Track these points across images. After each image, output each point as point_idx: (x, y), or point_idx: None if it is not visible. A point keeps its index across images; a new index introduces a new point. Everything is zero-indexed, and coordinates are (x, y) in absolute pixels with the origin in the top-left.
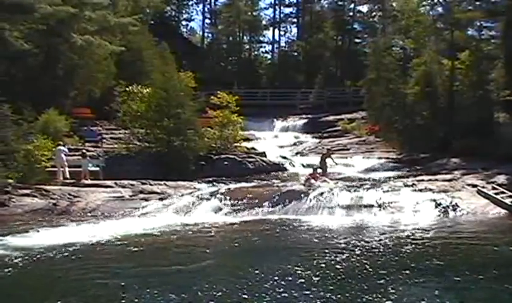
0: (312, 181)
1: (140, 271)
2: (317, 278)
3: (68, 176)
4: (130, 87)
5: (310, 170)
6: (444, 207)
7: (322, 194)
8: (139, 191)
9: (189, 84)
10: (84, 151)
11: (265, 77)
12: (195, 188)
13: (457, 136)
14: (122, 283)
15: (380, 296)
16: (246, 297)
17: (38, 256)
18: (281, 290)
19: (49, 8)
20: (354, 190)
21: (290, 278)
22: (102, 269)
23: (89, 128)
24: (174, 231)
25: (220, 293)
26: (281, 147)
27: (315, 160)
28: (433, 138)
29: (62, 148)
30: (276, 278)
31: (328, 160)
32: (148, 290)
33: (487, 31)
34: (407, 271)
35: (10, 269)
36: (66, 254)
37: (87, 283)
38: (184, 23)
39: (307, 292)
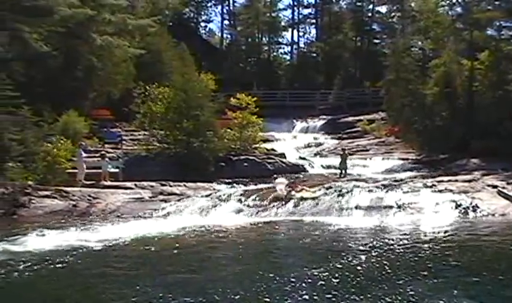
0: (291, 191)
1: (157, 274)
2: (337, 280)
3: (81, 178)
4: (149, 88)
5: (329, 171)
6: (464, 208)
7: (341, 195)
8: (159, 192)
9: (209, 85)
10: (103, 152)
11: (284, 78)
12: (214, 189)
13: (477, 136)
14: (138, 286)
15: (400, 297)
16: (266, 299)
17: (56, 258)
18: (302, 292)
19: (68, 10)
20: (374, 191)
21: (310, 280)
22: (120, 272)
23: (109, 129)
24: (193, 233)
25: (239, 296)
26: (300, 148)
27: (335, 160)
28: (453, 139)
29: (81, 149)
30: (296, 280)
31: (348, 161)
32: (165, 294)
33: (507, 31)
34: (427, 272)
35: (25, 270)
36: (82, 255)
37: (101, 286)
38: (203, 24)
39: (327, 294)
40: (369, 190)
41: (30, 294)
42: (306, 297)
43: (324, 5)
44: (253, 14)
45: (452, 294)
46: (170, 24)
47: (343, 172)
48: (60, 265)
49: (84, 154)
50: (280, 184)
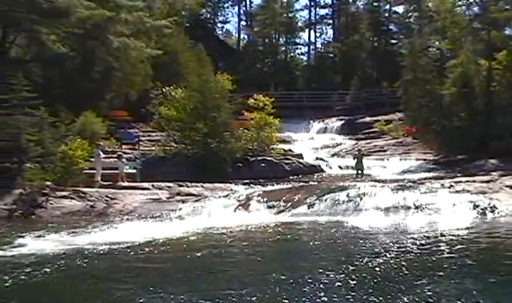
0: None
1: (173, 274)
2: (354, 281)
3: (99, 178)
4: (166, 89)
5: (347, 172)
6: (481, 209)
7: (358, 195)
8: (176, 193)
9: (226, 86)
10: (120, 153)
11: (301, 79)
12: (231, 190)
13: (495, 137)
14: (151, 288)
15: (417, 298)
16: (283, 300)
17: (73, 258)
18: (319, 293)
19: (86, 12)
20: (392, 192)
21: (327, 281)
22: (135, 274)
23: (126, 130)
24: (210, 233)
25: (256, 297)
26: (318, 149)
27: (352, 161)
28: (471, 139)
29: (99, 150)
30: (313, 281)
31: (364, 161)
32: (180, 294)
33: None
34: (444, 273)
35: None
36: (97, 257)
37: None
38: (219, 25)
39: (345, 296)
40: (387, 191)
41: (40, 297)
42: (324, 298)
43: (341, 5)
44: (270, 14)
45: (471, 295)
46: (187, 25)
47: (360, 172)
48: (74, 267)
49: (102, 155)
50: None
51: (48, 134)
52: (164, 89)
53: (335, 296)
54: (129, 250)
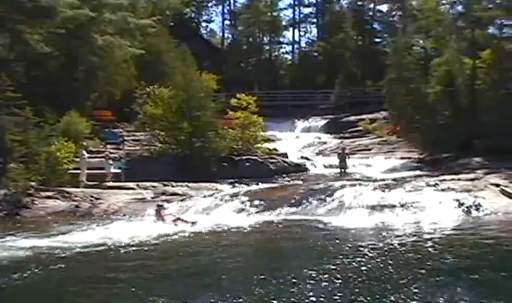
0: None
1: (154, 274)
2: (340, 281)
3: (84, 179)
4: (149, 89)
5: (331, 170)
6: (466, 207)
7: (344, 194)
8: (161, 193)
9: (210, 85)
10: (107, 153)
11: (285, 78)
12: (216, 189)
13: (479, 135)
14: (133, 288)
15: (403, 296)
16: (268, 300)
17: (55, 259)
18: (304, 292)
19: (69, 11)
20: (377, 191)
21: (312, 281)
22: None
23: (110, 130)
24: (194, 233)
25: (241, 298)
26: (302, 148)
27: (337, 160)
28: (455, 137)
29: (84, 150)
30: (298, 280)
31: (349, 160)
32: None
33: (508, 29)
34: (430, 271)
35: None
36: (81, 257)
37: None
38: (204, 24)
39: (330, 295)
40: (371, 190)
41: (19, 298)
42: (309, 297)
43: (325, 4)
44: (254, 13)
45: (456, 293)
46: (172, 24)
47: (343, 170)
48: (56, 267)
49: (86, 155)
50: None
51: (33, 134)
52: (147, 88)
53: (321, 297)
54: (111, 252)
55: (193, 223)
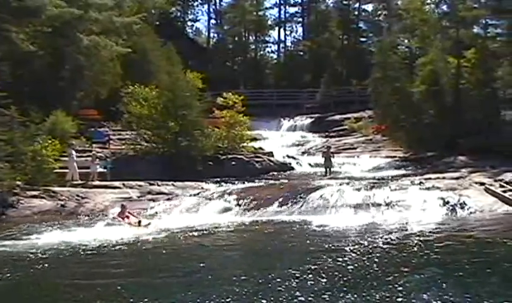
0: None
1: (138, 275)
2: (325, 279)
3: (71, 178)
4: (132, 88)
5: (317, 169)
6: (451, 206)
7: (329, 193)
8: (147, 192)
9: (196, 84)
10: (94, 152)
11: (271, 77)
12: (202, 188)
13: (464, 134)
14: (118, 287)
15: (388, 294)
16: (255, 300)
17: (44, 258)
18: (290, 292)
19: (55, 10)
20: (362, 190)
21: (298, 280)
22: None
23: (96, 129)
24: (180, 232)
25: (225, 299)
26: (288, 146)
27: (322, 159)
28: (440, 136)
29: (72, 149)
30: (283, 280)
31: (333, 159)
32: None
33: (493, 29)
34: (415, 269)
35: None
36: (69, 256)
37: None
38: (189, 23)
39: (316, 294)
40: (357, 189)
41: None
42: (295, 297)
43: (311, 3)
44: (240, 13)
45: (441, 289)
46: (157, 23)
47: (328, 169)
48: (42, 267)
49: (75, 154)
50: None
51: (19, 133)
52: (132, 88)
53: (308, 295)
54: (93, 250)
55: (147, 225)
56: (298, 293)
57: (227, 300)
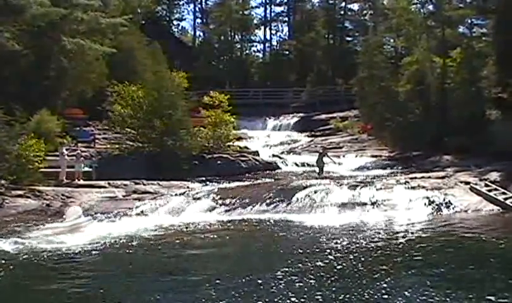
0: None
1: (125, 275)
2: (313, 279)
3: (64, 177)
4: (118, 87)
5: (303, 168)
6: (437, 205)
7: (315, 192)
8: (132, 191)
9: (182, 84)
10: (78, 151)
11: (257, 76)
12: (188, 187)
13: (449, 133)
14: (101, 289)
15: (373, 292)
16: (240, 301)
17: (28, 258)
18: (276, 292)
19: (41, 9)
20: (348, 189)
21: (285, 280)
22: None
23: (81, 128)
24: (166, 232)
25: (211, 299)
26: (274, 146)
27: (308, 158)
28: (426, 136)
29: (64, 148)
30: (269, 280)
31: (325, 159)
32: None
33: (478, 29)
34: (400, 268)
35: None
36: (52, 257)
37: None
38: (175, 22)
39: (302, 294)
40: (342, 188)
41: None
42: (279, 296)
43: (296, 3)
44: (226, 12)
45: (426, 287)
46: (143, 22)
47: (320, 169)
48: (31, 267)
49: (66, 153)
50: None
51: (3, 132)
52: (117, 87)
53: (293, 294)
54: (78, 250)
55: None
56: (283, 293)
57: (212, 300)
